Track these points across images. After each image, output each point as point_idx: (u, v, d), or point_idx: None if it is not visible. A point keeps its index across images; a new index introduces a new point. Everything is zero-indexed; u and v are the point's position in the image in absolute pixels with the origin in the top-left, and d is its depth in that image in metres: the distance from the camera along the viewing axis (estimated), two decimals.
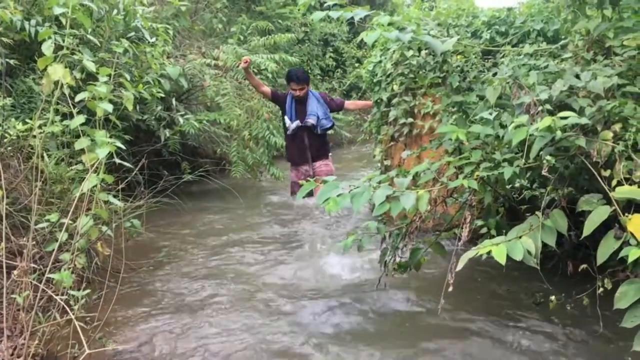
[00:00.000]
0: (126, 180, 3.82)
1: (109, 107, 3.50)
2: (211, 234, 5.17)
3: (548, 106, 2.59)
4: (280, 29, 11.82)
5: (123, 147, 3.43)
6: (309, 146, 6.22)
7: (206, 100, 7.90)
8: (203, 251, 4.57)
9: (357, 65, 14.24)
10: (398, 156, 5.18)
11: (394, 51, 5.04)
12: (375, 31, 2.94)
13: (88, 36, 4.38)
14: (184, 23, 7.50)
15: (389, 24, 3.04)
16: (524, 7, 4.79)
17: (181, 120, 6.05)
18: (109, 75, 3.82)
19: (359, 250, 3.42)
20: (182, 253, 4.50)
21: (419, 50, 4.82)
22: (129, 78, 4.33)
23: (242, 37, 9.02)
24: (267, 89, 6.29)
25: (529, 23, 4.59)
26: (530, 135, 2.48)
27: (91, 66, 3.67)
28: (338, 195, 2.89)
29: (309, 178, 5.72)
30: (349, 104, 6.70)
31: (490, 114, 2.82)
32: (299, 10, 12.46)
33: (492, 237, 2.95)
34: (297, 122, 6.12)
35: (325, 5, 3.26)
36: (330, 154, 6.46)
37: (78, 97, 3.50)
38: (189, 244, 4.77)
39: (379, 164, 5.65)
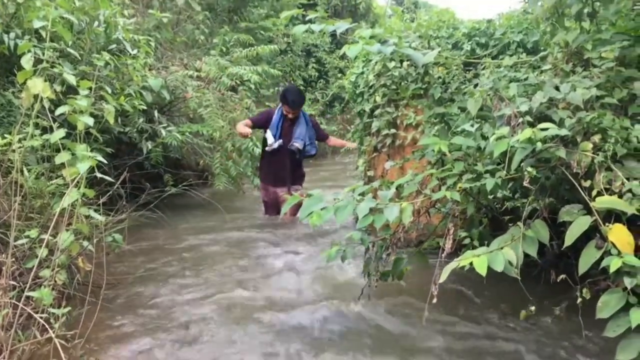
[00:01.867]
0: (107, 194, 3.78)
1: (90, 121, 3.48)
2: (194, 247, 5.14)
3: (528, 118, 2.61)
4: (263, 40, 11.86)
5: (104, 160, 3.40)
6: (290, 169, 6.08)
7: (188, 112, 7.87)
8: (186, 265, 4.53)
9: (339, 75, 14.34)
10: (381, 167, 5.19)
11: (376, 62, 5.07)
12: (357, 44, 2.95)
13: (68, 49, 4.35)
14: (166, 35, 7.48)
15: (371, 37, 3.06)
16: (504, 19, 4.83)
17: (163, 132, 6.02)
18: (90, 88, 3.80)
19: (342, 261, 3.41)
20: (165, 268, 4.46)
21: (401, 61, 4.86)
22: (110, 91, 4.30)
23: (224, 49, 9.04)
24: (247, 121, 6.09)
25: (508, 35, 4.63)
26: (511, 146, 2.50)
27: (71, 79, 3.65)
28: (322, 209, 2.89)
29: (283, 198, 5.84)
30: (331, 139, 6.68)
31: (472, 125, 2.84)
32: (281, 22, 12.51)
33: (475, 247, 2.98)
34: (279, 142, 5.95)
35: (308, 18, 3.28)
36: (304, 178, 6.40)
37: (58, 111, 3.47)
38: (172, 258, 4.74)
39: (362, 175, 5.66)
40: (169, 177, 6.79)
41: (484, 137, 2.92)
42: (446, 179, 2.88)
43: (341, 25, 3.18)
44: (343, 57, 15.09)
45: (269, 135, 5.96)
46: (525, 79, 3.01)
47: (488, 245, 2.59)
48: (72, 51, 4.38)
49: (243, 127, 5.91)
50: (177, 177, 7.18)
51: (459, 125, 3.09)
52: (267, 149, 6.01)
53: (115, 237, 3.65)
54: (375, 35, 3.14)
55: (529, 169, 2.41)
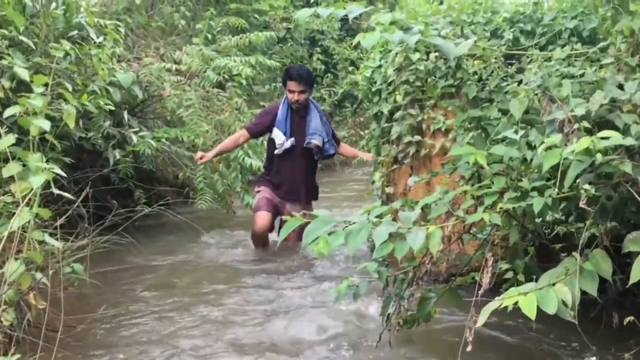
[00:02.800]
0: (66, 215, 3.80)
1: (46, 124, 3.51)
2: (171, 279, 5.15)
3: (586, 123, 2.62)
4: (257, 26, 11.96)
5: (63, 173, 3.42)
6: (305, 176, 5.98)
7: (165, 114, 7.95)
8: (160, 302, 4.53)
9: (351, 69, 14.40)
10: (403, 182, 5.19)
11: (396, 54, 5.09)
12: (374, 32, 2.97)
13: (20, 37, 4.39)
14: (139, 19, 7.57)
15: (391, 23, 3.08)
16: (554, 1, 4.86)
17: (135, 138, 6.06)
18: (46, 85, 3.84)
19: (354, 299, 3.42)
20: (134, 305, 4.47)
21: (428, 53, 4.89)
22: (70, 88, 4.34)
23: (209, 36, 9.12)
24: (242, 133, 6.09)
25: (560, 20, 4.65)
26: (564, 158, 2.50)
27: (24, 74, 3.68)
28: (330, 234, 2.89)
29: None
30: (342, 146, 6.56)
31: (516, 132, 2.85)
32: (279, 5, 12.60)
33: (519, 282, 2.98)
34: (292, 140, 5.84)
35: (313, 0, 3.30)
36: (318, 192, 6.30)
37: (7, 112, 3.51)
38: (142, 292, 4.74)
39: (379, 192, 5.67)
40: (140, 194, 6.83)
41: (531, 147, 2.93)
42: (484, 197, 2.89)
43: (354, 9, 3.21)
44: (357, 46, 15.21)
45: (277, 134, 5.84)
46: (582, 75, 3.02)
47: (536, 281, 2.59)
48: (24, 39, 4.43)
49: (213, 152, 5.97)
50: (150, 193, 7.23)
51: (500, 132, 3.10)
52: (276, 151, 5.88)
53: (74, 267, 3.66)
54: (396, 21, 3.17)
55: (587, 186, 2.41)
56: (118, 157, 6.06)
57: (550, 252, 3.64)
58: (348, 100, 14.57)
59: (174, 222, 6.46)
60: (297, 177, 5.95)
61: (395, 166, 5.26)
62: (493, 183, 2.89)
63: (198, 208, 6.86)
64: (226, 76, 7.49)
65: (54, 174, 3.23)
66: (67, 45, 4.74)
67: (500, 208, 2.77)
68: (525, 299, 2.40)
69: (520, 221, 3.06)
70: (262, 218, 5.88)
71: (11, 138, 3.39)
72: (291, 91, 5.83)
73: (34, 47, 4.85)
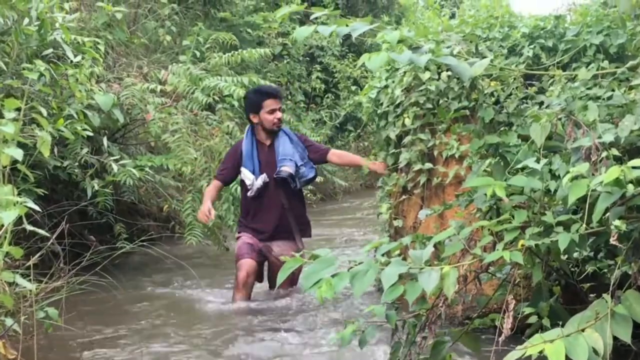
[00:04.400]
0: (39, 254, 3.81)
1: (18, 153, 3.53)
2: (155, 323, 5.13)
3: (615, 151, 2.63)
4: (250, 42, 12.05)
5: (37, 207, 3.43)
6: (288, 213, 5.72)
7: (149, 139, 7.98)
8: (142, 350, 4.52)
9: (353, 88, 14.50)
10: (413, 215, 5.21)
11: (404, 73, 5.14)
12: (380, 52, 3.00)
13: None
14: (120, 35, 7.61)
15: (399, 42, 3.11)
16: (577, 15, 4.91)
17: (115, 167, 6.06)
18: (18, 109, 3.87)
19: (360, 345, 3.40)
20: (116, 354, 4.45)
21: (439, 71, 4.93)
22: (45, 112, 4.36)
23: (197, 53, 9.17)
24: (215, 184, 5.89)
25: (584, 36, 4.69)
26: (592, 190, 2.51)
27: None
28: (333, 276, 2.89)
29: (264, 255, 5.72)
30: (336, 154, 6.07)
31: (538, 160, 2.86)
32: (276, 20, 12.72)
33: (544, 328, 2.97)
34: (263, 177, 5.59)
35: (313, 17, 3.34)
36: (310, 226, 6.03)
37: None
38: (124, 340, 4.72)
39: (387, 226, 5.68)
40: (121, 229, 6.82)
41: (555, 176, 2.94)
42: (503, 233, 2.89)
43: (358, 26, 3.24)
44: (363, 66, 15.32)
45: (246, 174, 5.63)
46: (609, 98, 3.05)
47: (563, 325, 2.59)
48: None
49: (208, 203, 5.62)
50: (132, 227, 7.23)
51: (520, 160, 3.11)
52: (248, 194, 5.66)
53: (49, 312, 3.66)
54: (404, 39, 3.20)
55: (617, 222, 2.42)
56: (96, 188, 6.06)
57: (578, 293, 3.64)
58: (351, 123, 14.64)
59: (158, 260, 6.47)
60: (278, 215, 5.69)
61: (404, 197, 5.27)
62: (513, 217, 2.89)
63: (186, 244, 6.83)
64: (216, 97, 7.51)
65: (27, 209, 3.24)
66: (41, 65, 4.77)
67: (522, 245, 2.77)
68: (552, 346, 2.39)
69: (544, 259, 3.06)
70: (246, 266, 5.58)
71: None
72: (272, 111, 5.61)
73: (4, 67, 4.87)
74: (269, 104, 5.60)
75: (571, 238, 2.68)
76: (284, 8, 3.49)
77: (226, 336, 4.86)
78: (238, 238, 5.82)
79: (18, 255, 3.25)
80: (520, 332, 3.37)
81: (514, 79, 3.62)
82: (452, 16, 6.09)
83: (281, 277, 3.04)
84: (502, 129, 3.46)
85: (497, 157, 3.38)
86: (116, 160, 6.22)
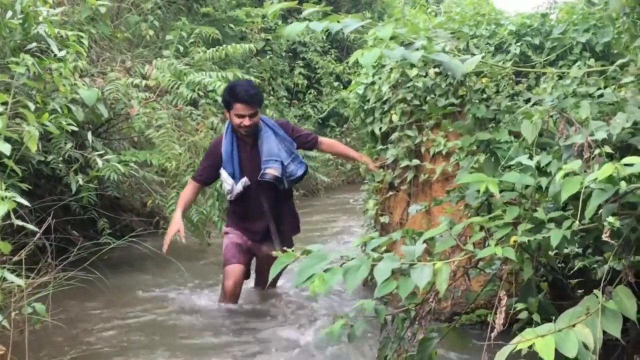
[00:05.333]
0: (27, 247, 3.79)
1: (6, 148, 3.51)
2: (143, 319, 5.13)
3: (608, 148, 2.66)
4: (233, 37, 12.01)
5: (26, 202, 3.41)
6: (270, 214, 5.37)
7: (132, 134, 7.94)
8: (132, 345, 4.51)
9: (336, 84, 14.50)
10: (400, 210, 5.24)
11: (391, 69, 5.15)
12: (372, 49, 3.01)
13: None
14: (104, 29, 7.56)
15: (391, 38, 3.12)
16: (563, 13, 4.94)
17: (100, 162, 6.00)
18: (5, 104, 3.84)
19: (349, 340, 3.41)
20: (104, 347, 4.44)
21: (426, 68, 4.95)
22: (32, 107, 4.32)
23: (181, 48, 9.14)
24: (192, 185, 5.57)
25: (571, 34, 4.73)
26: (585, 187, 2.53)
27: None
28: (325, 271, 2.90)
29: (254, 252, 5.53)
30: (325, 143, 5.78)
31: (531, 157, 2.88)
32: (267, 17, 12.66)
33: (536, 323, 2.99)
34: (244, 182, 5.24)
35: (305, 13, 3.33)
36: (299, 222, 5.82)
37: None
38: (112, 333, 4.71)
39: (372, 221, 5.70)
40: (104, 224, 6.78)
41: (545, 173, 2.96)
42: (494, 229, 2.91)
43: (349, 23, 3.23)
44: (340, 59, 15.32)
45: (225, 178, 5.27)
46: (600, 96, 3.07)
47: (550, 320, 2.60)
48: None
49: (178, 214, 5.37)
50: (115, 222, 7.19)
51: (512, 157, 3.14)
52: (228, 197, 5.37)
53: (37, 307, 3.63)
54: (395, 36, 3.20)
55: (611, 218, 2.44)
56: (81, 183, 6.01)
57: (565, 289, 3.67)
58: (334, 118, 14.65)
59: (143, 255, 6.43)
60: (265, 216, 5.37)
61: (390, 193, 5.29)
62: (506, 213, 2.91)
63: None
64: (201, 92, 7.49)
65: (15, 203, 3.22)
66: (28, 59, 4.71)
67: (515, 241, 2.79)
68: (543, 341, 2.40)
69: (534, 255, 3.08)
70: (234, 274, 5.33)
71: None
72: (240, 116, 5.14)
73: None
74: (238, 108, 5.13)
75: (563, 234, 2.70)
76: (274, 5, 3.47)
77: (211, 329, 4.87)
78: (226, 234, 5.58)
79: (6, 251, 3.24)
80: (509, 327, 3.39)
81: (504, 76, 3.64)
82: (436, 15, 6.06)
83: (273, 272, 3.04)
84: (491, 125, 3.47)
85: (488, 153, 3.40)
86: (101, 156, 6.16)
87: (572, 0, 5.40)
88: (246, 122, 5.12)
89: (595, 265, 3.72)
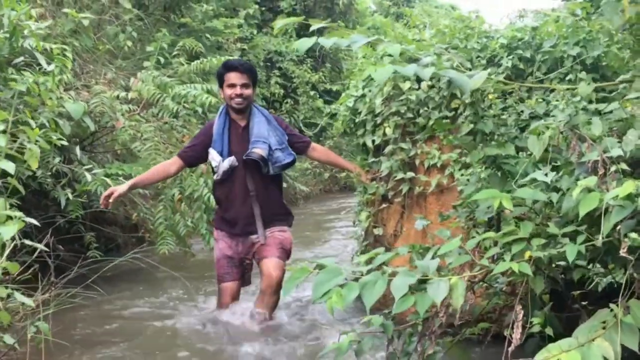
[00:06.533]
0: (29, 267, 3.75)
1: (11, 167, 3.47)
2: (144, 332, 5.15)
3: (624, 165, 2.70)
4: (210, 47, 12.00)
5: (35, 222, 3.38)
6: (256, 198, 5.19)
7: (115, 147, 7.87)
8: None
9: (312, 93, 14.53)
10: (393, 222, 5.25)
11: (385, 83, 5.17)
12: (384, 66, 3.03)
13: None
14: (87, 42, 7.51)
15: (400, 54, 3.14)
16: (553, 27, 5.00)
17: (89, 176, 5.94)
18: (6, 121, 3.81)
19: (357, 355, 3.42)
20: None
21: (418, 81, 4.99)
22: (33, 124, 4.28)
23: (161, 60, 9.08)
24: (174, 160, 5.40)
25: (561, 47, 4.79)
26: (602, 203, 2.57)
27: None
28: (341, 286, 2.91)
29: (248, 258, 5.39)
30: (319, 150, 5.70)
31: (546, 174, 2.92)
32: (237, 26, 12.64)
33: (549, 337, 3.03)
34: (230, 160, 5.12)
35: (313, 28, 3.35)
36: (292, 216, 5.54)
37: None
38: (112, 351, 4.69)
39: (364, 234, 5.70)
40: (91, 238, 6.72)
41: (555, 189, 3.00)
42: (509, 244, 2.93)
43: (357, 39, 3.26)
44: (316, 68, 15.37)
45: (213, 155, 5.18)
46: (610, 112, 3.12)
47: (556, 333, 2.64)
48: None
49: (130, 182, 5.23)
50: (99, 236, 7.13)
51: (521, 172, 3.17)
52: (215, 177, 5.25)
53: (40, 326, 3.59)
54: (403, 52, 3.23)
55: (634, 235, 2.48)
56: (71, 197, 5.95)
57: (565, 300, 3.72)
58: (310, 127, 14.68)
59: (130, 268, 6.40)
60: (251, 202, 5.19)
61: (384, 205, 5.31)
62: (520, 229, 2.94)
63: (160, 253, 6.71)
64: (185, 105, 7.45)
65: (24, 223, 3.19)
66: (28, 76, 4.67)
67: (529, 256, 2.82)
68: (568, 356, 2.44)
69: (545, 270, 3.12)
70: (230, 292, 5.28)
71: None
72: (232, 85, 5.13)
73: None
74: (230, 77, 5.13)
75: (578, 249, 2.74)
76: (281, 20, 3.48)
77: (212, 344, 4.85)
78: (216, 241, 5.40)
79: (14, 271, 3.20)
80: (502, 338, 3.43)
81: (514, 91, 3.67)
82: (424, 27, 6.11)
83: (288, 286, 3.04)
84: (497, 139, 3.50)
85: (494, 168, 3.43)
86: (89, 170, 6.11)
87: (544, 8, 5.47)
88: (237, 90, 5.10)
89: (594, 277, 3.78)
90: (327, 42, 3.25)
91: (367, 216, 5.43)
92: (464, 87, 3.15)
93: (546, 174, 2.90)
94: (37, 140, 4.69)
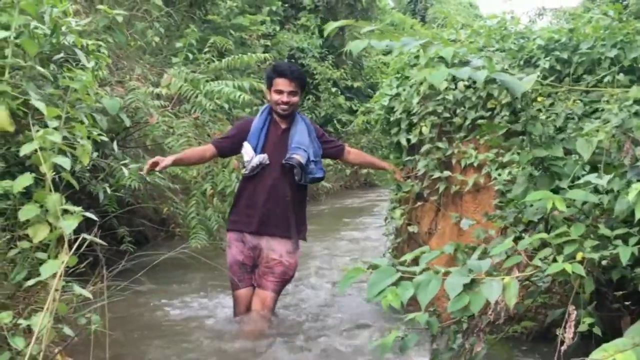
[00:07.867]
0: (85, 259, 3.81)
1: (66, 162, 3.53)
2: (190, 319, 5.28)
3: None
4: (234, 44, 12.05)
5: (95, 217, 3.44)
6: (287, 205, 5.09)
7: (146, 142, 7.94)
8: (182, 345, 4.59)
9: (333, 89, 14.55)
10: (428, 220, 5.30)
11: (421, 82, 5.22)
12: (440, 68, 3.06)
13: (37, 67, 4.38)
14: (120, 38, 7.56)
15: (453, 58, 3.18)
16: (590, 29, 5.03)
17: (125, 171, 5.99)
18: (59, 117, 3.87)
19: (401, 351, 3.45)
20: (159, 349, 4.53)
21: (454, 80, 5.03)
22: (86, 120, 4.35)
23: (190, 56, 9.15)
24: (209, 147, 5.29)
25: (599, 49, 4.82)
26: None
27: (41, 106, 3.69)
28: (395, 285, 2.96)
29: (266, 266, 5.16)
30: (353, 153, 5.54)
31: (599, 176, 2.95)
32: (261, 22, 12.69)
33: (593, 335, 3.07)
34: (262, 157, 5.01)
35: (364, 31, 3.39)
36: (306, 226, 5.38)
37: (24, 150, 3.51)
38: (159, 334, 4.84)
39: (397, 231, 5.75)
40: (124, 232, 6.79)
41: (606, 191, 3.04)
42: (562, 246, 2.97)
43: (408, 41, 3.30)
44: (337, 65, 15.40)
45: (247, 149, 5.07)
46: None
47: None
48: (40, 69, 4.43)
49: (172, 157, 5.05)
50: (132, 228, 7.20)
51: (566, 174, 3.21)
52: (243, 171, 5.14)
53: (93, 317, 3.65)
54: (455, 55, 3.27)
55: None
56: (109, 192, 6.01)
57: (605, 299, 3.75)
58: (331, 124, 14.72)
59: (164, 261, 6.44)
60: (275, 203, 5.07)
61: (419, 203, 5.36)
62: (572, 230, 2.98)
63: (192, 247, 6.76)
64: (218, 102, 7.51)
65: (82, 217, 3.25)
66: (82, 73, 4.72)
67: (582, 257, 2.86)
68: (624, 356, 2.48)
69: (595, 271, 3.16)
70: (245, 300, 5.19)
71: (28, 178, 3.40)
72: (279, 92, 5.02)
73: (51, 78, 4.82)
74: (279, 82, 5.02)
75: (631, 251, 2.78)
76: (331, 23, 3.50)
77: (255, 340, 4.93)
78: (229, 246, 5.29)
79: (72, 264, 3.25)
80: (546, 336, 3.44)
81: (561, 94, 3.71)
82: (422, 19, 6.12)
83: (343, 284, 3.09)
84: (545, 141, 3.53)
85: (541, 169, 3.47)
86: (125, 165, 6.17)
87: (567, 6, 5.50)
88: (284, 97, 5.01)
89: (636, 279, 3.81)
90: (379, 44, 3.29)
91: (402, 214, 5.47)
92: (515, 89, 3.18)
93: (598, 177, 2.94)
94: (88, 136, 4.78)
